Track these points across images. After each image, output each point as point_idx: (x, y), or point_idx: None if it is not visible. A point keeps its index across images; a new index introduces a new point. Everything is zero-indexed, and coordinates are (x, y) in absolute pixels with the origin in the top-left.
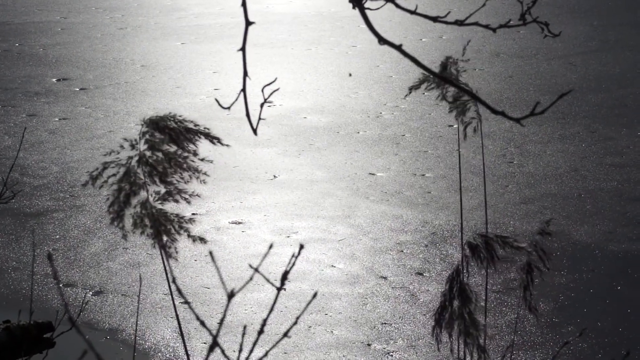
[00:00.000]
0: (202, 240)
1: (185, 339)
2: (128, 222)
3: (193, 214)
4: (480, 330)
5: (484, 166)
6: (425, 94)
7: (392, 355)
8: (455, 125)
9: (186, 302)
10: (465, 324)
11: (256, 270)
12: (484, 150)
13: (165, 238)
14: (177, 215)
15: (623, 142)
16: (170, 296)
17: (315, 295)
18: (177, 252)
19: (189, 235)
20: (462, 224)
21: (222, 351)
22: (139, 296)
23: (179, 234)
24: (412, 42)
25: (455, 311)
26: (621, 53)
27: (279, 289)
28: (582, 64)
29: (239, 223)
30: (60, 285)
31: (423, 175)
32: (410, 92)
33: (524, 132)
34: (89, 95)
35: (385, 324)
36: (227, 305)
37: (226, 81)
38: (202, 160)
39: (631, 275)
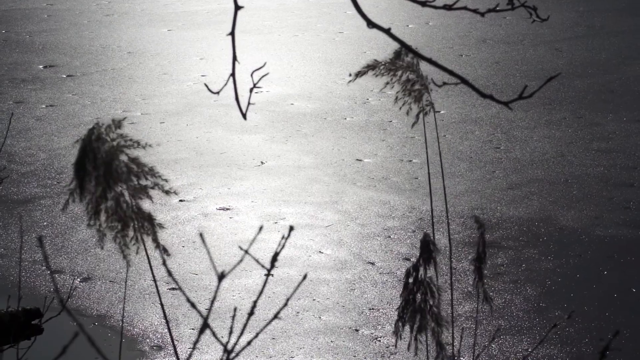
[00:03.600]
0: (166, 251)
1: (173, 324)
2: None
3: (180, 200)
4: (442, 326)
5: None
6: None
7: (379, 341)
8: (442, 111)
9: (178, 288)
10: (421, 319)
11: (246, 252)
12: (471, 135)
13: (128, 236)
14: (149, 216)
15: (609, 127)
16: (160, 282)
17: (305, 277)
18: (137, 253)
19: (153, 239)
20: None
21: (213, 333)
22: (126, 282)
23: (147, 234)
24: (398, 28)
25: (417, 306)
26: (607, 39)
27: (269, 270)
28: (568, 50)
29: (227, 209)
30: (49, 271)
31: (410, 161)
32: (355, 79)
33: (511, 118)
34: (76, 82)
35: (373, 309)
36: (218, 287)
37: (213, 68)
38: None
39: (617, 260)
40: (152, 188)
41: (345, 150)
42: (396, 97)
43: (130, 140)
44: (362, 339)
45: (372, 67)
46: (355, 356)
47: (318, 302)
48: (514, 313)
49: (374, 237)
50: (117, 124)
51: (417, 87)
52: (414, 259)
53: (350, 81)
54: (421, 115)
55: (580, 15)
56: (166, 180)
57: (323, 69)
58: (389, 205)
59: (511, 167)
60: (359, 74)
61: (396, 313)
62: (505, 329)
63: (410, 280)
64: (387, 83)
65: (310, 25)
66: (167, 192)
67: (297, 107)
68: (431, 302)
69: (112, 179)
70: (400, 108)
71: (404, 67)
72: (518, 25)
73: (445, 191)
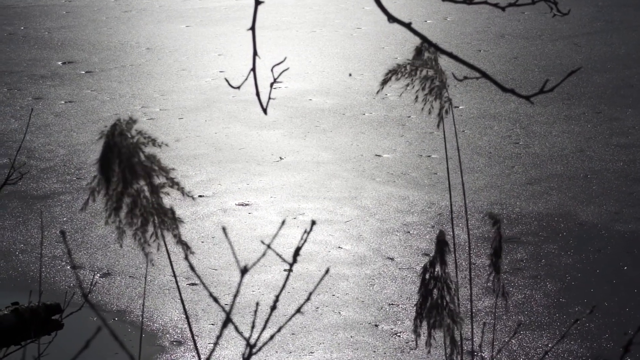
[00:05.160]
0: (188, 248)
1: (192, 320)
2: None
3: (200, 195)
4: (458, 323)
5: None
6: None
7: (399, 336)
8: (461, 107)
9: (200, 283)
10: (437, 315)
11: (269, 247)
12: (490, 131)
13: (147, 232)
14: (170, 211)
15: (629, 122)
16: (179, 277)
17: (327, 271)
18: (157, 250)
19: (174, 235)
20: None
21: (236, 328)
22: (146, 278)
23: (167, 230)
24: (417, 23)
25: (434, 303)
26: (626, 33)
27: (291, 265)
28: (587, 45)
29: (246, 205)
30: (69, 265)
31: (429, 156)
32: (382, 88)
33: (530, 113)
34: (95, 78)
35: (392, 304)
36: (241, 281)
37: (231, 63)
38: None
39: (637, 255)
40: (172, 187)
41: (364, 145)
42: (416, 97)
43: (148, 137)
44: (381, 334)
45: (395, 72)
46: (374, 351)
47: (337, 297)
48: (533, 308)
49: (393, 233)
50: (134, 120)
51: (436, 83)
52: (433, 255)
53: (378, 91)
54: (443, 113)
55: (599, 9)
56: (178, 185)
57: (341, 65)
58: (408, 200)
59: (530, 162)
60: (385, 82)
61: (415, 309)
62: (525, 325)
63: (427, 276)
64: (407, 85)
65: (328, 21)
66: (184, 194)
67: (316, 102)
68: (447, 299)
69: (131, 175)
70: (422, 109)
71: (425, 65)
72: (536, 20)
73: (464, 186)
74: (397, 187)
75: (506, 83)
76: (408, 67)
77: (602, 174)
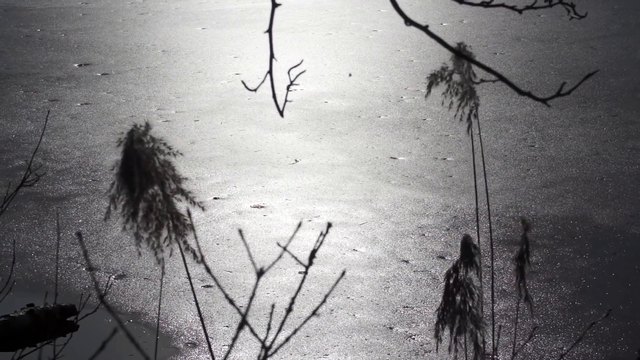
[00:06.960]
0: (195, 257)
1: (207, 322)
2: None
3: (215, 198)
4: (481, 328)
5: (482, 154)
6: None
7: (414, 339)
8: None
9: (216, 284)
10: (461, 320)
11: (285, 249)
12: (505, 133)
13: (161, 236)
14: (183, 217)
15: None
16: (194, 280)
17: (344, 273)
18: (170, 255)
19: (184, 242)
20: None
21: (251, 330)
22: (161, 280)
23: (180, 235)
24: (433, 26)
25: (457, 308)
26: None
27: (307, 267)
28: (603, 48)
29: (261, 207)
30: (85, 267)
31: (444, 159)
32: (429, 91)
33: (545, 116)
34: (111, 80)
35: (407, 307)
36: (257, 283)
37: (247, 66)
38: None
39: None
40: (182, 195)
41: (380, 148)
42: (443, 102)
43: (165, 145)
44: (396, 337)
45: (437, 75)
46: (389, 354)
47: (352, 299)
48: (549, 311)
49: (408, 235)
50: (150, 126)
51: (465, 88)
52: (448, 257)
53: (427, 94)
54: (466, 117)
55: (615, 12)
56: (187, 195)
57: (357, 67)
58: (423, 203)
59: (546, 165)
60: (430, 86)
61: (430, 311)
62: (540, 328)
63: (451, 281)
64: (444, 93)
65: (344, 24)
66: (194, 203)
67: (331, 105)
68: (470, 304)
69: (147, 181)
70: (454, 116)
71: (463, 71)
72: (552, 23)
73: (486, 190)
74: (412, 189)
75: (522, 86)
76: (447, 72)
77: (617, 177)
